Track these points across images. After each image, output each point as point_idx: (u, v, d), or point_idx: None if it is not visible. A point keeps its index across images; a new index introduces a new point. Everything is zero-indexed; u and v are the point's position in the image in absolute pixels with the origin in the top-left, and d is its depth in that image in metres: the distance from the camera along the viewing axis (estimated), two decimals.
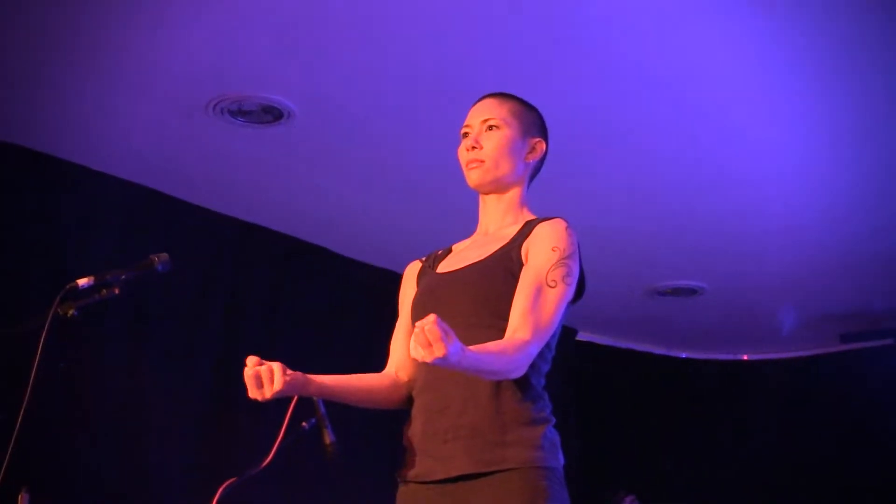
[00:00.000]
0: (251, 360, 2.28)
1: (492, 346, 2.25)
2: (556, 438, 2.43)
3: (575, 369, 6.82)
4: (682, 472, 7.28)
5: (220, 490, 2.46)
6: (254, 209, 5.24)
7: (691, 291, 6.44)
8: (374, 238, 5.60)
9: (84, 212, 4.63)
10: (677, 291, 6.44)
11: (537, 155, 2.71)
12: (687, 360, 7.71)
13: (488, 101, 2.72)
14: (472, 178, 2.65)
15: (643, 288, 6.44)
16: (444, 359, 1.99)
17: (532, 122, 2.72)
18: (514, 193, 2.68)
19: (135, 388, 4.64)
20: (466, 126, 2.71)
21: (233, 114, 4.26)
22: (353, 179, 4.91)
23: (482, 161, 2.63)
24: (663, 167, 4.84)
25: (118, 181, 4.74)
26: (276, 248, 5.48)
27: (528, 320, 2.34)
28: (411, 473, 2.46)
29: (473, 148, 2.64)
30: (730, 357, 7.70)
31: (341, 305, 5.73)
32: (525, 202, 2.70)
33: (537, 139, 2.71)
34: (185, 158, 4.68)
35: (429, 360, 1.98)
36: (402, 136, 4.51)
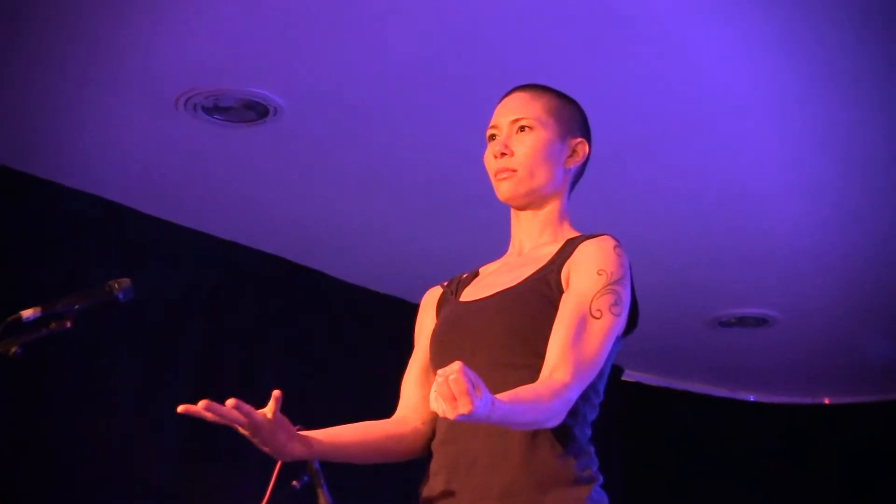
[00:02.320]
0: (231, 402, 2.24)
1: (525, 392, 2.23)
2: (605, 500, 2.43)
3: (621, 415, 6.80)
4: None
5: None
6: (234, 225, 5.25)
7: (760, 321, 6.42)
8: (378, 259, 5.60)
9: (29, 229, 4.64)
10: (743, 321, 6.42)
11: (579, 159, 2.70)
12: (756, 403, 7.68)
13: (518, 97, 2.70)
14: (503, 190, 2.64)
15: (702, 317, 6.42)
16: (469, 415, 1.97)
17: (571, 118, 2.70)
18: (553, 206, 2.67)
19: (91, 439, 4.64)
20: (493, 127, 2.69)
21: (208, 111, 4.27)
22: (353, 189, 4.92)
23: (514, 170, 2.62)
24: (717, 177, 4.85)
25: (71, 192, 4.77)
26: (261, 271, 5.50)
27: (569, 358, 2.33)
28: None
29: (503, 154, 2.62)
30: (807, 401, 7.66)
31: (338, 339, 5.74)
32: (565, 215, 2.69)
33: (578, 140, 2.70)
34: (150, 165, 4.70)
35: (451, 416, 1.96)
36: (411, 137, 4.52)
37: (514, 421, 2.20)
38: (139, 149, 4.56)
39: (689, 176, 4.88)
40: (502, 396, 2.09)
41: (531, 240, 2.67)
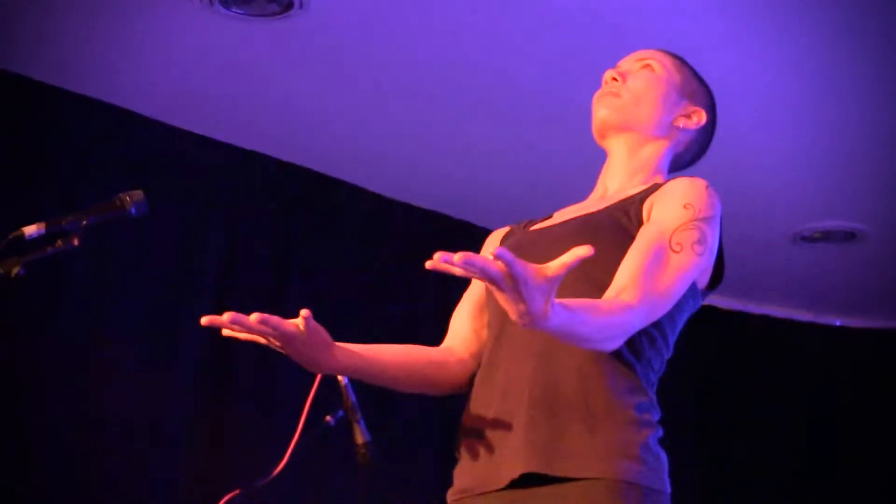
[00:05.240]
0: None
1: (584, 303, 2.21)
2: (663, 456, 2.42)
3: (690, 343, 6.79)
4: (834, 484, 7.24)
5: None
6: (257, 133, 5.26)
7: (848, 235, 6.38)
8: (416, 171, 5.58)
9: (28, 138, 4.67)
10: (828, 236, 6.39)
11: (692, 123, 2.77)
12: (843, 328, 7.65)
13: (652, 49, 2.81)
14: (600, 111, 2.71)
15: (782, 232, 6.39)
16: (529, 312, 1.97)
17: (699, 89, 2.81)
18: (652, 152, 2.73)
19: (97, 373, 4.67)
20: (617, 67, 2.78)
21: (226, 3, 4.27)
22: (388, 91, 4.90)
23: (619, 95, 2.70)
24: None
25: (74, 97, 4.79)
26: (289, 185, 5.51)
27: (639, 283, 2.32)
28: (467, 480, 2.48)
29: (615, 79, 2.72)
30: None
31: (376, 262, 5.73)
32: (663, 170, 2.74)
33: (698, 108, 2.77)
34: (161, 66, 4.71)
35: (514, 315, 1.97)
36: (466, 28, 4.48)
37: (570, 332, 2.19)
38: (149, 48, 4.57)
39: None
40: (563, 303, 2.07)
41: (619, 181, 2.71)
